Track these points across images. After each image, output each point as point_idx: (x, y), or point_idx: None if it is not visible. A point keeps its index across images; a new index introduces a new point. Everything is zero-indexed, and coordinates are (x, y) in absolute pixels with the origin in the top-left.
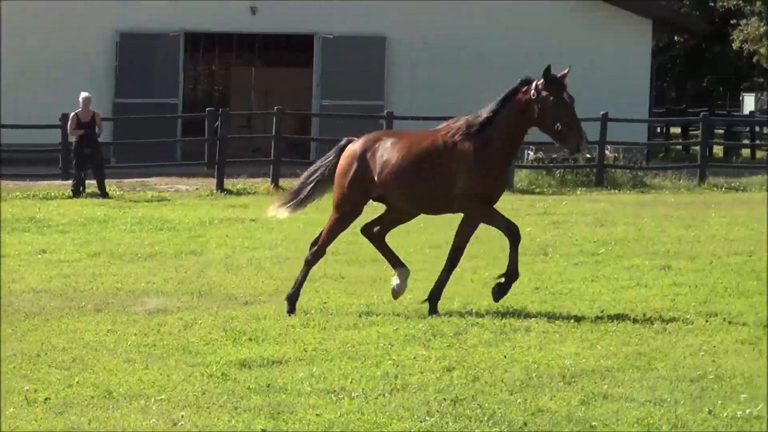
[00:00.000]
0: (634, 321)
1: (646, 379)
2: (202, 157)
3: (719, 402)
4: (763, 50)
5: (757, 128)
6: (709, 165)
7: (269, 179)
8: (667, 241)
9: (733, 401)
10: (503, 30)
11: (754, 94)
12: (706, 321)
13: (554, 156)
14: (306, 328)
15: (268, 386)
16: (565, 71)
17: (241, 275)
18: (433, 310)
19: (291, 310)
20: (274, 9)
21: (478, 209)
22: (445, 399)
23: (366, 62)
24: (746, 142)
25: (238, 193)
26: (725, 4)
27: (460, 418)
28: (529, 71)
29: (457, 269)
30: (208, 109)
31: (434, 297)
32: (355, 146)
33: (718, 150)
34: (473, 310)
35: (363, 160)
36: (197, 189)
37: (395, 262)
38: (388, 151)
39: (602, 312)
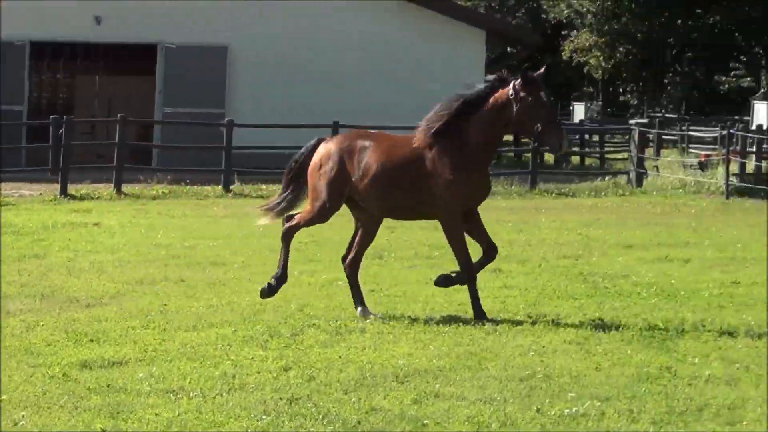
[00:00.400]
0: (466, 322)
1: (477, 378)
2: (46, 163)
3: (547, 400)
4: (593, 61)
5: (586, 136)
6: (540, 171)
7: (112, 185)
8: (498, 245)
9: (560, 399)
10: (340, 40)
11: (584, 104)
12: (535, 322)
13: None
14: (146, 330)
15: (108, 386)
16: (541, 70)
17: (83, 278)
18: (482, 315)
19: (270, 290)
20: (118, 19)
21: (458, 221)
22: (281, 398)
23: (208, 71)
24: (576, 149)
25: (82, 198)
26: (557, 16)
27: (295, 417)
28: (367, 80)
29: (294, 272)
30: (52, 116)
31: (479, 314)
32: (330, 145)
33: (548, 157)
34: (310, 312)
35: (340, 159)
36: (41, 194)
37: (360, 300)
38: (367, 156)
39: (435, 313)
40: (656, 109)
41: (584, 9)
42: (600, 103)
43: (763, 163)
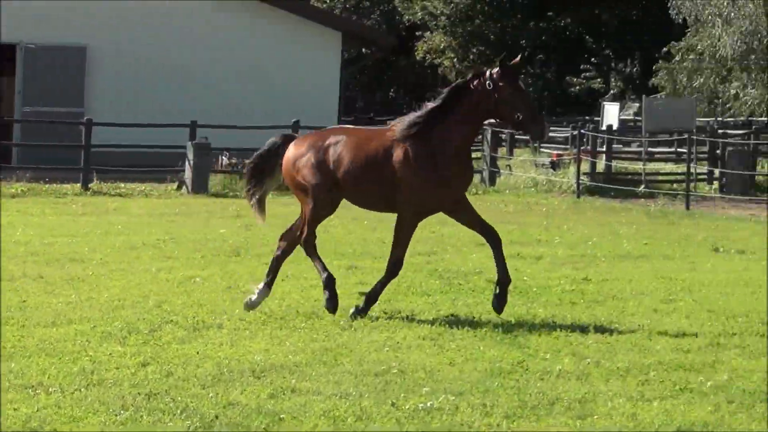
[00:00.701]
0: (321, 318)
1: (333, 373)
2: None
3: (402, 395)
4: (446, 62)
5: None
6: None
7: None
8: (354, 243)
9: (415, 394)
10: (198, 40)
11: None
12: (390, 318)
13: (247, 161)
14: (5, 326)
15: None
16: (517, 59)
17: None
18: (364, 311)
19: (330, 299)
20: None
21: (412, 220)
22: (139, 393)
23: (67, 71)
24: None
25: None
26: (411, 18)
27: (153, 412)
28: (224, 80)
29: (152, 268)
30: None
31: (369, 302)
32: (304, 142)
33: None
34: (167, 309)
35: (318, 151)
36: None
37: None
38: (339, 149)
39: (291, 310)
40: None
41: (438, 11)
42: None
43: (613, 163)
